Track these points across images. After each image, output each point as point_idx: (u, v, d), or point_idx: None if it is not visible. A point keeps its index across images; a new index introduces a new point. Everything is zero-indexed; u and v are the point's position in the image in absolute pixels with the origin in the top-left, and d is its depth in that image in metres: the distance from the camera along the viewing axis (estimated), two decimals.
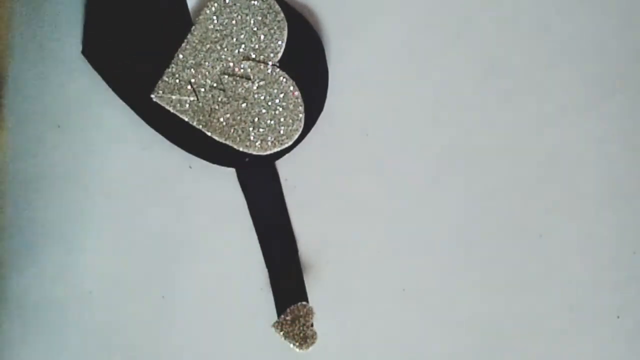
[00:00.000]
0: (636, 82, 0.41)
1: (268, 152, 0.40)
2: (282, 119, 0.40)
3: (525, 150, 0.41)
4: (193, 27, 0.40)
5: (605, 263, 0.41)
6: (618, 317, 0.40)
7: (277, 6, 0.40)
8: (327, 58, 0.41)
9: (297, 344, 0.39)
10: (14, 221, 0.41)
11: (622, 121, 0.41)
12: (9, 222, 0.41)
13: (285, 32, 0.40)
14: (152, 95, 0.40)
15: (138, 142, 0.41)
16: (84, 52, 0.41)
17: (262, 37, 0.40)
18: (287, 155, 0.41)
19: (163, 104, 0.40)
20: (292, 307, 0.40)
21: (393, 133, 0.41)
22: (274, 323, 0.40)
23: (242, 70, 0.40)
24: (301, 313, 0.40)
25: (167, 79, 0.40)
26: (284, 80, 0.40)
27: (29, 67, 0.40)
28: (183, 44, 0.40)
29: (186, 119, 0.40)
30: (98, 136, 0.41)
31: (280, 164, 0.41)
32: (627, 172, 0.41)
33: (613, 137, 0.41)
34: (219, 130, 0.40)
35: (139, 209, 0.41)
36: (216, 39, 0.40)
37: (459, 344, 0.41)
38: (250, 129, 0.40)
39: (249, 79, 0.40)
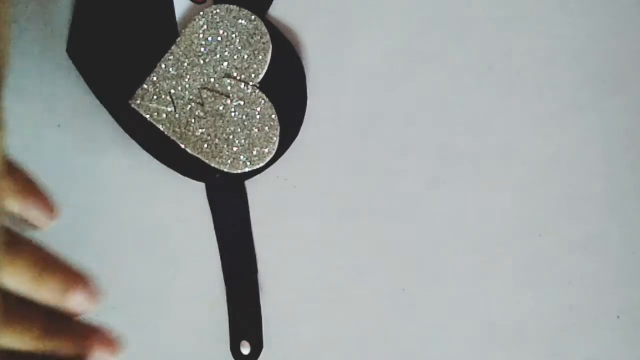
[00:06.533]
0: (636, 82, 0.41)
1: (239, 172, 0.40)
2: (256, 141, 0.40)
3: (525, 150, 0.41)
4: (179, 39, 0.40)
5: (605, 263, 0.41)
6: (618, 317, 0.40)
7: (264, 28, 0.40)
8: (328, 59, 0.41)
9: None
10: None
11: (623, 121, 0.41)
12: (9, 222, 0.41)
13: (269, 55, 0.40)
14: (131, 102, 0.40)
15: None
16: (68, 51, 0.41)
17: (246, 56, 0.40)
18: (287, 155, 0.41)
19: (141, 111, 0.40)
20: None
21: (393, 133, 0.41)
22: None
23: (222, 88, 0.40)
24: None
25: (147, 87, 0.40)
26: (263, 102, 0.40)
27: (29, 67, 0.40)
28: (167, 54, 0.40)
29: (162, 129, 0.40)
30: (98, 136, 0.41)
31: (280, 164, 0.41)
32: (627, 172, 0.41)
33: (613, 137, 0.41)
34: (193, 144, 0.40)
35: (139, 209, 0.41)
36: (200, 54, 0.40)
37: (459, 344, 0.41)
38: (224, 146, 0.40)
39: (229, 96, 0.40)
